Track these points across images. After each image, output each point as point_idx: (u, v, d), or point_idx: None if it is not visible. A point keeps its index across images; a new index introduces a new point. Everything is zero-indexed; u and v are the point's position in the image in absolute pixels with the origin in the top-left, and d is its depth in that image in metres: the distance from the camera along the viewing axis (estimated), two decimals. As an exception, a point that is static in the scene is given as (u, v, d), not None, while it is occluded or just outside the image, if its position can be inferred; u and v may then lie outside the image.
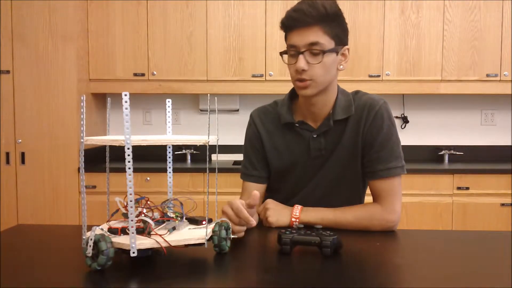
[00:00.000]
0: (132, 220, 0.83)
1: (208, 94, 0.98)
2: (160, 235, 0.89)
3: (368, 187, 1.36)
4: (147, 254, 0.88)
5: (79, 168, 2.81)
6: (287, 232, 0.99)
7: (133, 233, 0.83)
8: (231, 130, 3.29)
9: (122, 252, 0.87)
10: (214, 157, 3.25)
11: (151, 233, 0.90)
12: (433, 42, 2.96)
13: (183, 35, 2.98)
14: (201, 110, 3.34)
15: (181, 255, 0.95)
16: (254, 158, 1.39)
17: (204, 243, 0.92)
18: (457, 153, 3.22)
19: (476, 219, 2.77)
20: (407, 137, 3.31)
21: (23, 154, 2.79)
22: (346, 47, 1.27)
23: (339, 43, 1.23)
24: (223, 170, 2.76)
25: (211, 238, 0.95)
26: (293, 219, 1.23)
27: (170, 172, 1.08)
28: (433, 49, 2.96)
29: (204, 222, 1.00)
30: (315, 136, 1.31)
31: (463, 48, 2.96)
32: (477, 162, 3.15)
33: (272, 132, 1.37)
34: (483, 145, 3.32)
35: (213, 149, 3.17)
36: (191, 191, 2.79)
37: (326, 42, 1.20)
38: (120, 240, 0.86)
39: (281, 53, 1.28)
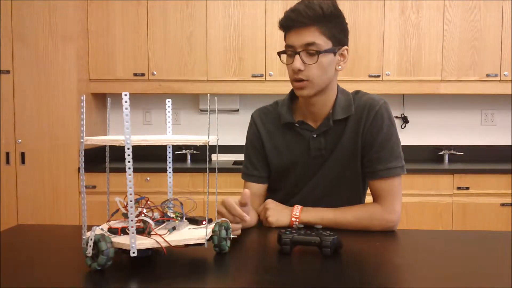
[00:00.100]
0: (132, 220, 0.83)
1: (208, 94, 0.98)
2: (160, 235, 0.89)
3: (368, 187, 1.36)
4: (147, 254, 0.88)
5: (79, 168, 2.81)
6: (287, 232, 0.99)
7: (133, 233, 0.83)
8: (231, 130, 3.29)
9: (122, 252, 0.87)
10: (214, 157, 3.25)
11: (151, 233, 0.90)
12: (433, 42, 2.96)
13: (183, 35, 2.98)
14: (201, 110, 3.34)
15: (181, 255, 0.95)
16: (255, 158, 1.39)
17: (204, 243, 0.92)
18: (457, 153, 3.22)
19: (476, 219, 2.77)
20: (407, 137, 3.31)
21: (23, 154, 2.79)
22: (345, 47, 1.27)
23: (336, 44, 1.23)
24: (223, 170, 2.76)
25: (211, 238, 0.95)
26: (293, 219, 1.23)
27: (170, 172, 1.08)
28: (433, 49, 2.96)
29: (204, 222, 1.00)
30: (315, 136, 1.31)
31: (463, 48, 2.96)
32: (477, 162, 3.15)
33: (272, 132, 1.38)
34: (483, 145, 3.32)
35: (213, 149, 3.17)
36: (191, 191, 2.79)
37: (323, 42, 1.20)
38: (120, 240, 0.86)
39: (279, 53, 1.29)
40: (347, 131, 1.29)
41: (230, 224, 1.07)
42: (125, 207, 0.91)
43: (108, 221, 0.96)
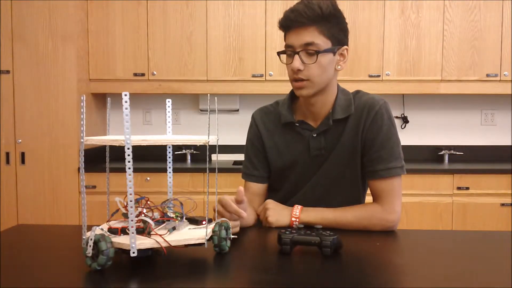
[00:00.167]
0: (132, 220, 0.83)
1: (208, 94, 0.98)
2: (160, 235, 0.89)
3: (368, 188, 1.36)
4: (147, 254, 0.88)
5: (79, 168, 2.81)
6: (287, 232, 0.99)
7: (133, 233, 0.83)
8: (231, 130, 3.29)
9: (122, 252, 0.87)
10: (214, 157, 3.25)
11: (151, 233, 0.90)
12: (433, 42, 2.96)
13: (183, 35, 2.98)
14: (201, 110, 3.34)
15: (181, 255, 0.95)
16: (255, 158, 1.40)
17: (204, 243, 0.92)
18: (457, 153, 3.22)
19: (476, 219, 2.77)
20: (407, 137, 3.31)
21: (23, 154, 2.79)
22: (345, 47, 1.27)
23: (336, 43, 1.23)
24: (223, 170, 2.76)
25: (211, 238, 0.95)
26: (293, 219, 1.23)
27: (170, 172, 1.08)
28: (433, 49, 2.96)
29: (204, 222, 1.00)
30: (315, 135, 1.31)
31: (463, 48, 2.96)
32: (477, 162, 3.15)
33: (272, 131, 1.38)
34: (483, 145, 3.32)
35: (213, 149, 3.17)
36: (191, 191, 2.79)
37: (322, 42, 1.21)
38: (120, 240, 0.86)
39: (279, 53, 1.29)
40: (347, 130, 1.29)
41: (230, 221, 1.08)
42: (125, 207, 0.91)
43: (108, 221, 0.96)
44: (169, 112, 1.08)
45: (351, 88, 1.37)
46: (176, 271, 0.88)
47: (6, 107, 2.78)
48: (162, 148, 1.10)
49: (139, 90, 3.00)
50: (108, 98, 1.08)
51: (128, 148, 0.81)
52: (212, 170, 2.64)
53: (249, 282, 0.85)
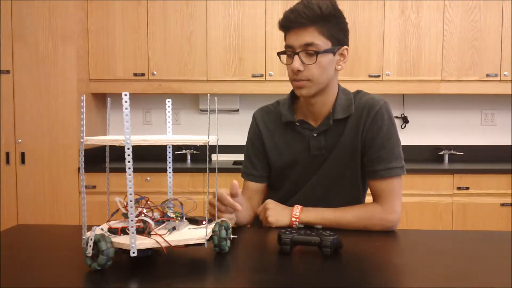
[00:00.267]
0: (132, 220, 0.83)
1: (208, 94, 0.98)
2: (160, 235, 0.89)
3: (368, 189, 1.36)
4: (147, 254, 0.88)
5: (79, 168, 2.81)
6: (287, 232, 0.99)
7: (133, 233, 0.83)
8: (231, 130, 3.29)
9: (122, 252, 0.87)
10: (214, 157, 3.25)
11: (151, 233, 0.90)
12: (433, 42, 2.96)
13: (183, 35, 2.98)
14: (201, 110, 3.34)
15: (181, 255, 0.95)
16: (255, 157, 1.40)
17: (204, 243, 0.92)
18: (457, 153, 3.22)
19: (476, 219, 2.77)
20: (407, 137, 3.31)
21: (23, 154, 2.79)
22: (345, 47, 1.27)
23: (336, 44, 1.23)
24: (223, 170, 2.76)
25: (211, 238, 0.95)
26: (293, 219, 1.23)
27: (170, 172, 1.08)
28: (433, 49, 2.96)
29: (204, 222, 1.00)
30: (315, 135, 1.31)
31: (463, 48, 2.96)
32: (477, 162, 3.15)
33: (273, 130, 1.38)
34: (483, 145, 3.32)
35: (213, 149, 3.16)
36: (191, 191, 2.79)
37: (322, 42, 1.21)
38: (120, 240, 0.86)
39: (279, 54, 1.29)
40: (347, 130, 1.29)
41: (223, 214, 1.10)
42: (125, 207, 0.91)
43: (108, 221, 0.96)
44: (169, 112, 1.08)
45: (351, 88, 1.37)
46: (176, 271, 0.88)
47: (6, 107, 2.78)
48: (162, 148, 1.11)
49: (139, 90, 3.00)
50: (108, 98, 1.08)
51: (128, 148, 0.81)
52: (212, 170, 2.64)
53: (249, 282, 0.85)
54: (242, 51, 2.98)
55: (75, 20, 2.81)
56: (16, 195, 2.80)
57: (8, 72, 2.77)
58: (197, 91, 3.01)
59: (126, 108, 0.81)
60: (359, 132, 1.28)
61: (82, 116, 0.87)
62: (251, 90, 2.99)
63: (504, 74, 2.94)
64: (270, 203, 1.28)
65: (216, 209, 1.10)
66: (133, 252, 0.83)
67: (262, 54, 2.97)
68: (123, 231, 0.90)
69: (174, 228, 0.94)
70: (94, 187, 2.80)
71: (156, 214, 0.97)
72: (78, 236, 1.05)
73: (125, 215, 0.94)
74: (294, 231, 1.00)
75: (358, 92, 1.35)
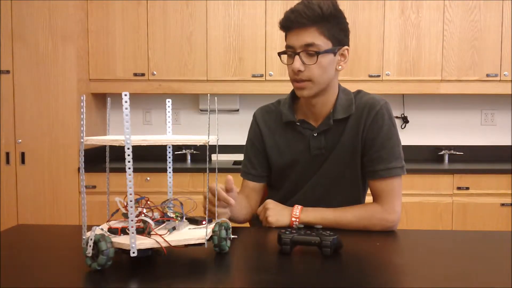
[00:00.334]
0: (132, 220, 0.83)
1: (208, 94, 0.98)
2: (160, 235, 0.89)
3: (368, 189, 1.36)
4: (147, 254, 0.88)
5: (79, 168, 2.81)
6: (287, 232, 0.99)
7: (133, 233, 0.83)
8: (231, 130, 3.29)
9: (122, 252, 0.87)
10: (214, 157, 3.25)
11: (151, 233, 0.90)
12: (433, 42, 2.96)
13: (183, 35, 2.98)
14: (201, 110, 3.34)
15: (181, 255, 0.95)
16: (254, 157, 1.40)
17: (204, 243, 0.92)
18: (457, 153, 3.22)
19: (476, 219, 2.77)
20: (407, 137, 3.31)
21: (23, 154, 2.79)
22: (346, 47, 1.27)
23: (336, 44, 1.23)
24: (223, 170, 2.75)
25: (211, 238, 0.95)
26: (293, 219, 1.23)
27: (170, 172, 1.08)
28: (433, 49, 2.96)
29: (204, 222, 1.00)
30: (315, 134, 1.31)
31: (463, 48, 2.96)
32: (477, 162, 3.15)
33: (273, 130, 1.38)
34: (483, 145, 3.32)
35: (213, 149, 3.17)
36: (191, 191, 2.79)
37: (322, 43, 1.21)
38: (120, 240, 0.86)
39: (279, 54, 1.29)
40: (348, 130, 1.29)
41: (218, 209, 1.10)
42: (125, 207, 0.91)
43: (108, 221, 0.96)
44: (169, 112, 1.08)
45: (351, 88, 1.37)
46: (176, 271, 0.88)
47: (6, 107, 2.78)
48: (162, 148, 1.11)
49: (139, 90, 3.00)
50: (108, 98, 1.08)
51: (128, 148, 0.81)
52: (212, 170, 2.64)
53: (249, 282, 0.85)
54: (242, 51, 2.98)
55: (75, 20, 2.81)
56: (16, 195, 2.80)
57: (8, 72, 2.77)
58: (197, 91, 3.01)
59: (126, 108, 0.81)
60: (359, 132, 1.28)
61: (82, 116, 0.87)
62: (251, 90, 2.99)
63: (504, 74, 2.94)
64: (270, 203, 1.28)
65: (212, 206, 1.10)
66: (133, 252, 0.83)
67: (262, 54, 2.97)
68: (123, 231, 0.90)
69: (174, 228, 0.94)
70: (94, 187, 2.80)
71: (156, 214, 0.97)
72: (78, 236, 1.05)
73: (125, 215, 0.94)
74: (294, 231, 1.00)
75: (359, 92, 1.35)
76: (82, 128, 0.89)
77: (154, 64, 2.99)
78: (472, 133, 3.33)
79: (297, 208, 1.24)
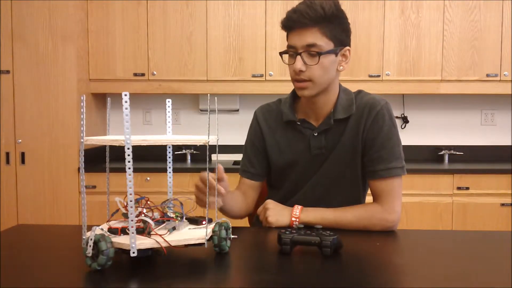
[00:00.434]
0: (132, 220, 0.83)
1: (208, 94, 0.98)
2: (160, 235, 0.89)
3: (368, 189, 1.36)
4: (147, 254, 0.88)
5: (79, 168, 2.81)
6: (287, 232, 0.99)
7: (133, 233, 0.83)
8: (231, 130, 3.29)
9: (122, 252, 0.87)
10: (214, 157, 3.25)
11: (151, 233, 0.90)
12: (433, 42, 2.96)
13: (183, 35, 2.98)
14: (201, 110, 3.34)
15: (181, 255, 0.95)
16: (253, 155, 1.40)
17: (204, 243, 0.92)
18: (457, 153, 3.22)
19: (476, 219, 2.77)
20: (407, 137, 3.31)
21: (23, 154, 2.79)
22: (347, 48, 1.27)
23: (338, 44, 1.23)
24: (223, 170, 2.75)
25: (211, 238, 0.95)
26: (293, 219, 1.23)
27: (170, 172, 1.08)
28: (433, 49, 2.96)
29: (204, 222, 1.00)
30: (315, 134, 1.31)
31: (463, 48, 2.96)
32: (477, 162, 3.15)
33: (274, 129, 1.38)
34: (483, 145, 3.32)
35: (213, 149, 3.16)
36: (191, 191, 2.78)
37: (324, 43, 1.20)
38: (120, 240, 0.86)
39: (281, 53, 1.29)
40: (348, 130, 1.29)
41: (209, 197, 1.09)
42: (125, 207, 0.91)
43: (108, 221, 0.96)
44: (169, 112, 1.08)
45: (351, 88, 1.37)
46: (176, 271, 0.88)
47: (6, 107, 2.78)
48: (162, 148, 1.11)
49: (139, 90, 3.00)
50: (108, 98, 1.08)
51: (128, 148, 0.81)
52: (212, 170, 2.64)
53: (249, 282, 0.85)
54: (242, 51, 2.98)
55: (75, 20, 2.81)
56: (16, 195, 2.80)
57: (8, 72, 2.77)
58: (197, 91, 3.01)
59: (126, 108, 0.81)
60: (359, 132, 1.28)
61: (82, 116, 0.87)
62: (251, 90, 2.99)
63: (504, 74, 2.94)
64: (270, 203, 1.28)
65: (202, 195, 1.11)
66: (133, 252, 0.83)
67: (262, 54, 2.97)
68: (123, 231, 0.90)
69: (174, 228, 0.94)
70: (94, 187, 2.80)
71: (156, 214, 0.97)
72: (78, 236, 1.05)
73: (125, 215, 0.94)
74: (294, 231, 1.00)
75: (359, 92, 1.35)
76: (82, 128, 0.89)
77: (154, 64, 2.99)
78: (472, 133, 3.33)
79: (297, 208, 1.24)
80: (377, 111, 1.27)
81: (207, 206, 0.99)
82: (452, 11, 2.94)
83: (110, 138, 0.85)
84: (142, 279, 0.84)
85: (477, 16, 2.93)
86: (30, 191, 2.80)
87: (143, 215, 0.92)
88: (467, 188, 2.78)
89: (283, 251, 0.98)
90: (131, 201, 0.83)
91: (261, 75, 2.97)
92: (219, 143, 3.27)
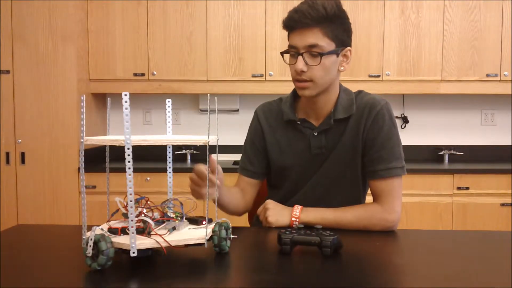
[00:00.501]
0: (132, 220, 0.83)
1: (208, 94, 0.98)
2: (160, 235, 0.89)
3: (368, 189, 1.36)
4: (147, 254, 0.88)
5: (79, 168, 2.81)
6: (287, 232, 0.99)
7: (133, 233, 0.83)
8: (231, 130, 3.29)
9: (122, 252, 0.87)
10: (214, 157, 3.25)
11: (151, 233, 0.90)
12: (433, 42, 2.96)
13: (183, 35, 2.98)
14: (201, 110, 3.34)
15: (181, 255, 0.95)
16: (252, 153, 1.40)
17: (204, 243, 0.92)
18: (457, 153, 3.22)
19: (476, 219, 2.77)
20: (407, 137, 3.31)
21: (23, 154, 2.79)
22: (348, 48, 1.27)
23: (339, 45, 1.23)
24: (223, 170, 2.74)
25: (211, 238, 0.95)
26: (293, 219, 1.23)
27: (170, 172, 1.08)
28: (433, 49, 2.96)
29: (204, 222, 1.00)
30: (315, 134, 1.31)
31: (463, 48, 2.96)
32: (477, 162, 3.15)
33: (274, 127, 1.38)
34: (483, 145, 3.32)
35: (213, 149, 3.16)
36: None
37: (326, 44, 1.20)
38: (120, 240, 0.86)
39: (282, 53, 1.29)
40: (348, 130, 1.29)
41: (203, 189, 1.11)
42: (125, 207, 0.91)
43: (108, 221, 0.96)
44: (169, 112, 1.08)
45: (351, 88, 1.37)
46: (176, 271, 0.88)
47: (6, 107, 2.78)
48: (162, 148, 1.11)
49: (139, 90, 3.00)
50: (108, 98, 1.08)
51: (128, 148, 0.81)
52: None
53: (249, 282, 0.85)
54: (242, 51, 2.98)
55: (75, 20, 2.81)
56: (16, 195, 2.80)
57: (8, 72, 2.77)
58: (197, 91, 3.01)
59: (126, 108, 0.81)
60: (360, 132, 1.28)
61: (82, 116, 0.87)
62: (251, 90, 2.99)
63: (504, 74, 2.94)
64: (270, 203, 1.28)
65: (196, 186, 1.12)
66: (133, 252, 0.83)
67: (262, 54, 2.97)
68: (123, 231, 0.90)
69: (174, 228, 0.94)
70: (94, 187, 2.80)
71: (156, 214, 0.97)
72: (78, 236, 1.05)
73: (125, 215, 0.94)
74: (294, 231, 1.00)
75: (360, 92, 1.35)
76: (82, 128, 0.89)
77: (154, 64, 2.99)
78: (472, 133, 3.33)
79: (297, 208, 1.24)
80: (377, 111, 1.27)
81: (207, 196, 1.00)
82: (452, 11, 2.94)
83: (110, 138, 0.85)
84: (142, 279, 0.84)
85: (477, 16, 2.93)
86: (30, 191, 2.80)
87: (143, 215, 0.92)
88: (467, 188, 2.78)
89: (283, 251, 0.98)
90: (131, 201, 0.83)
91: (261, 75, 2.97)
92: (219, 143, 3.27)
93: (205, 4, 2.96)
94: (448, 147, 3.23)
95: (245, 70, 2.98)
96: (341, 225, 1.22)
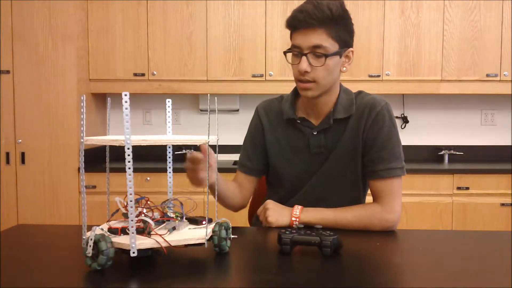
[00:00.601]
0: (132, 220, 0.83)
1: (208, 94, 0.98)
2: (160, 235, 0.89)
3: (368, 189, 1.36)
4: (147, 254, 0.88)
5: (79, 168, 2.81)
6: (287, 232, 0.99)
7: (133, 233, 0.83)
8: (231, 130, 3.29)
9: (122, 252, 0.87)
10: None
11: (151, 233, 0.90)
12: (433, 42, 2.96)
13: (183, 35, 2.98)
14: (201, 110, 3.34)
15: (181, 255, 0.95)
16: (251, 149, 1.41)
17: (204, 243, 0.92)
18: (457, 153, 3.22)
19: (476, 219, 2.77)
20: (407, 137, 3.31)
21: (23, 154, 2.79)
22: (351, 49, 1.27)
23: (343, 46, 1.23)
24: (223, 170, 2.75)
25: (211, 238, 0.95)
26: (293, 219, 1.23)
27: (170, 172, 1.08)
28: (433, 49, 2.96)
29: (204, 222, 1.00)
30: (315, 133, 1.31)
31: (463, 48, 2.96)
32: (477, 162, 3.15)
33: (275, 125, 1.38)
34: (483, 145, 3.32)
35: (213, 149, 3.16)
36: (191, 191, 2.79)
37: (330, 45, 1.20)
38: (120, 240, 0.86)
39: (285, 52, 1.28)
40: (348, 130, 1.29)
41: (200, 174, 1.13)
42: (125, 207, 0.91)
43: (108, 221, 0.96)
44: (169, 112, 1.08)
45: (351, 88, 1.38)
46: (176, 271, 0.88)
47: (6, 107, 2.78)
48: (162, 148, 1.11)
49: (139, 90, 3.00)
50: (108, 98, 1.08)
51: (128, 148, 0.81)
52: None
53: (249, 282, 0.85)
54: (242, 51, 2.98)
55: (75, 20, 2.81)
56: (16, 195, 2.80)
57: (8, 72, 2.77)
58: (197, 91, 3.01)
59: (126, 108, 0.81)
60: (360, 132, 1.28)
61: (82, 116, 0.87)
62: (251, 90, 2.99)
63: (504, 74, 2.94)
64: (270, 203, 1.28)
65: (192, 173, 1.14)
66: (133, 252, 0.83)
67: (262, 54, 2.97)
68: (123, 231, 0.90)
69: (174, 228, 0.94)
70: (94, 187, 2.80)
71: (156, 214, 0.97)
72: (78, 236, 1.05)
73: (125, 215, 0.94)
74: (294, 231, 1.00)
75: (360, 92, 1.35)
76: (82, 128, 0.89)
77: (154, 64, 2.99)
78: (472, 133, 3.33)
79: (297, 208, 1.24)
80: (377, 112, 1.27)
81: (207, 181, 1.00)
82: (452, 11, 2.94)
83: (110, 138, 0.85)
84: (142, 279, 0.84)
85: (477, 16, 2.93)
86: (30, 191, 2.80)
87: (143, 215, 0.92)
88: (467, 188, 2.78)
89: (283, 251, 0.98)
90: (131, 201, 0.83)
91: (261, 75, 2.97)
92: (219, 143, 3.27)
93: (205, 4, 2.96)
94: (448, 147, 3.23)
95: (245, 70, 2.98)
96: (341, 225, 1.22)
